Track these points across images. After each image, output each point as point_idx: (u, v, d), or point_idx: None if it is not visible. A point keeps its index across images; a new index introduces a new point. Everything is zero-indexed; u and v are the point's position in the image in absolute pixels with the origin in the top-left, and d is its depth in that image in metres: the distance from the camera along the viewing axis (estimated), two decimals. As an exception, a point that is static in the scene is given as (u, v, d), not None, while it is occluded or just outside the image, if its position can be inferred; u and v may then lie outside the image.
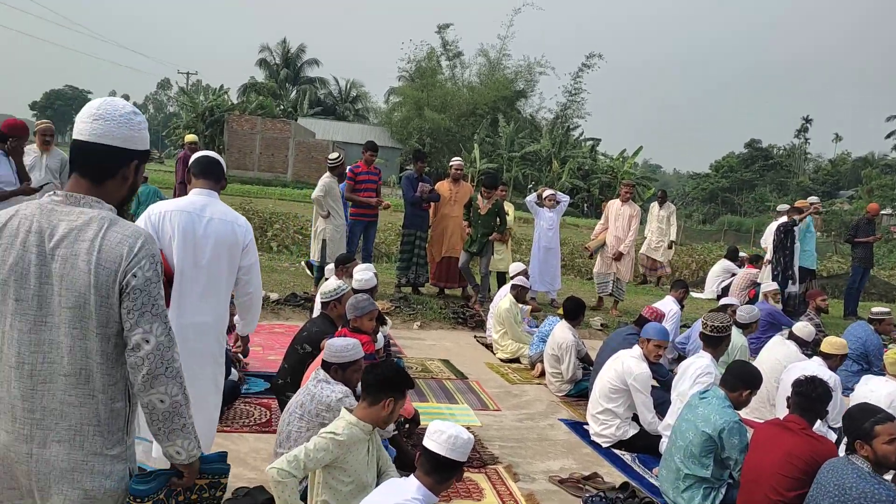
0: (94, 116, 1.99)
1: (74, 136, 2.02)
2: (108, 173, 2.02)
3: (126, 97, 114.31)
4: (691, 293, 11.41)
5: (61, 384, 1.93)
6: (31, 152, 7.07)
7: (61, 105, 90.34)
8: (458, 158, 10.19)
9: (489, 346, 7.79)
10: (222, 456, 2.29)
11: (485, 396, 6.08)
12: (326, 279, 6.91)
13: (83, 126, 1.99)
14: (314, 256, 9.06)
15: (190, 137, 11.52)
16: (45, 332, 1.92)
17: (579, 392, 6.34)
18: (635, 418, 5.20)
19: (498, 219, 9.09)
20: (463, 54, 51.21)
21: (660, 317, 5.88)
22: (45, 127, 7.44)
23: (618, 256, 9.79)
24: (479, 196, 9.18)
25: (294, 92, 60.64)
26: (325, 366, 3.78)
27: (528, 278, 7.90)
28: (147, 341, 1.93)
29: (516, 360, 7.36)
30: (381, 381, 3.22)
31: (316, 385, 3.71)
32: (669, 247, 13.27)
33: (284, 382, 4.60)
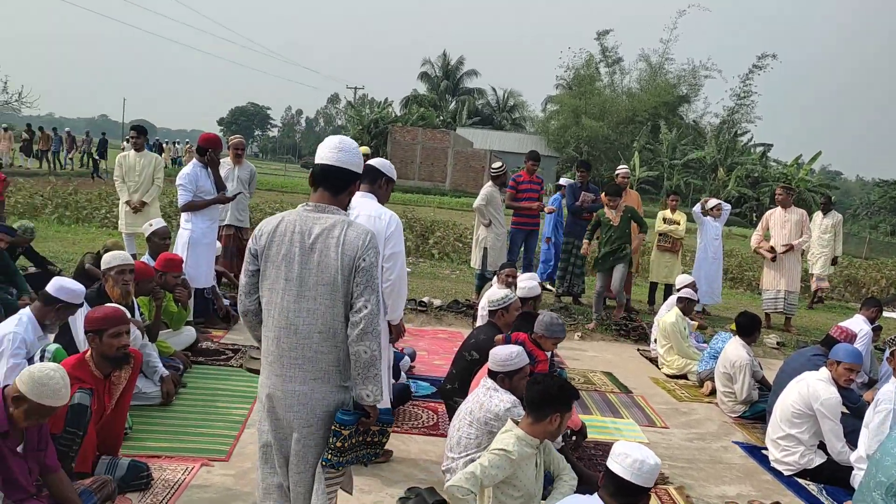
0: (337, 148, 2.77)
1: (319, 161, 2.79)
2: (343, 189, 2.78)
3: (300, 112, 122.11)
4: (884, 312, 10.34)
5: (316, 339, 2.66)
6: (224, 164, 7.74)
7: (244, 120, 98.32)
8: (625, 166, 9.96)
9: (653, 361, 7.52)
10: (389, 411, 2.92)
11: (651, 412, 5.86)
12: (490, 286, 6.99)
13: (329, 154, 2.76)
14: (475, 264, 9.20)
15: (363, 150, 12.12)
16: (304, 302, 2.65)
17: (755, 414, 5.95)
18: (822, 446, 4.79)
19: (633, 223, 8.43)
20: (622, 60, 50.07)
21: (850, 337, 5.38)
22: (238, 141, 8.13)
23: (787, 249, 9.18)
24: (604, 209, 8.45)
25: (453, 103, 62.05)
26: (492, 374, 3.82)
27: (695, 291, 7.54)
28: (366, 307, 2.61)
29: (683, 377, 7.04)
30: (546, 396, 3.19)
31: (485, 393, 3.75)
32: (833, 262, 11.88)
33: (452, 387, 4.69)
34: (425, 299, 8.75)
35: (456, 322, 8.30)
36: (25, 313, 3.91)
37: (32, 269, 7.60)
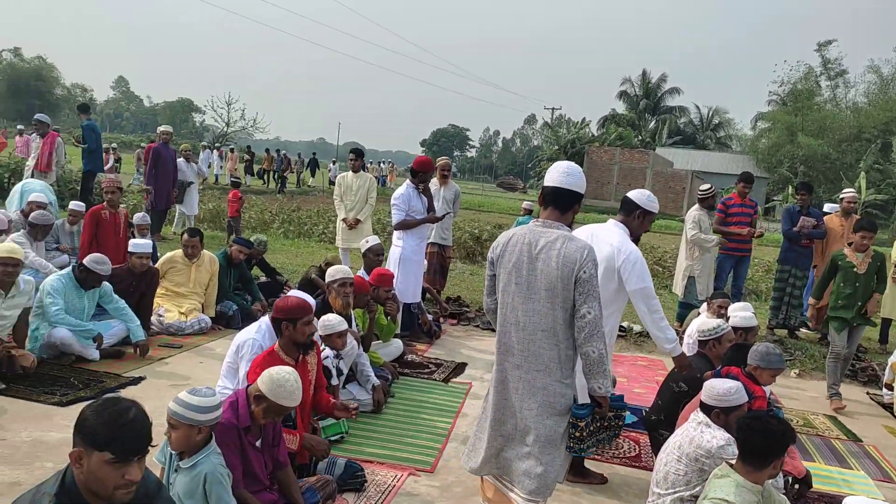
0: (565, 173, 3.16)
1: (549, 184, 3.19)
2: (568, 208, 3.17)
3: (497, 133, 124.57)
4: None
5: (540, 336, 3.09)
6: (430, 185, 8.11)
7: (445, 141, 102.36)
8: (851, 190, 9.05)
9: (887, 407, 6.70)
10: (622, 398, 3.30)
11: (886, 465, 5.22)
12: (696, 315, 6.64)
13: (558, 178, 3.15)
14: (677, 290, 8.80)
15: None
16: (531, 304, 3.09)
17: None
18: None
19: (877, 277, 6.55)
20: (847, 72, 45.58)
21: None
22: (445, 163, 8.48)
23: None
24: (844, 251, 6.65)
25: (653, 122, 60.13)
26: (706, 408, 3.61)
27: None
28: (589, 313, 2.98)
29: (926, 429, 6.19)
30: (767, 441, 2.95)
31: (696, 428, 3.55)
32: None
33: (657, 419, 4.51)
34: (624, 324, 8.51)
35: (656, 349, 7.98)
36: (264, 321, 4.33)
37: (264, 279, 8.44)
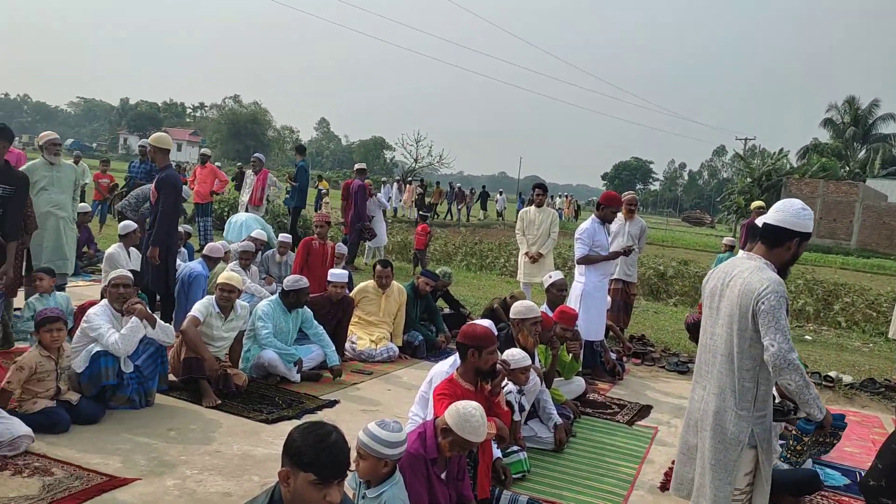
0: (777, 209, 3.10)
1: (763, 219, 3.19)
2: (777, 244, 3.07)
3: (683, 165, 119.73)
4: None
5: (720, 360, 3.09)
6: (616, 219, 7.94)
7: (627, 175, 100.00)
8: None
9: None
10: (842, 417, 3.22)
11: None
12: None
13: (771, 213, 3.11)
14: (893, 335, 7.86)
15: (757, 204, 11.36)
16: (715, 328, 3.13)
17: None
18: None
19: None
20: None
21: None
22: (631, 197, 8.28)
23: None
24: None
25: (863, 151, 54.75)
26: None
27: None
28: (771, 346, 2.86)
29: None
30: None
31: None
32: None
33: (878, 485, 4.00)
34: (832, 374, 7.73)
35: (871, 404, 7.15)
36: (458, 358, 4.39)
37: (448, 310, 8.68)
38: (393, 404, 5.64)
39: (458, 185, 36.21)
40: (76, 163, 13.54)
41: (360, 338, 7.04)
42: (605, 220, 7.15)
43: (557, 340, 5.67)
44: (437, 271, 8.29)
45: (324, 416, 5.17)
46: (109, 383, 4.70)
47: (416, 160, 37.18)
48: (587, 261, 7.02)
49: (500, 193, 38.26)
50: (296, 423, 4.89)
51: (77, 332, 4.94)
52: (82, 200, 10.08)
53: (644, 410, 6.19)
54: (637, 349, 8.22)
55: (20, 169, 6.34)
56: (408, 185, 31.18)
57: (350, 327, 6.98)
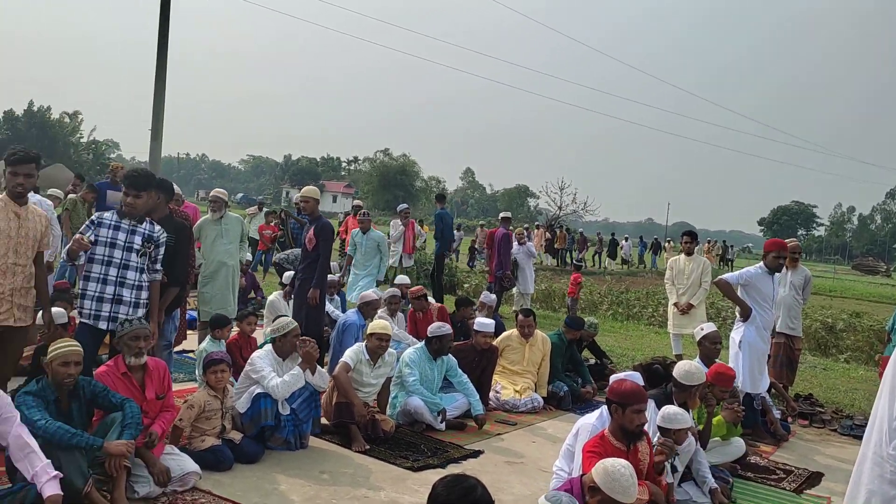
0: None
1: None
2: None
3: (851, 209, 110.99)
4: None
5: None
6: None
7: (787, 220, 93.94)
8: None
9: None
10: None
11: None
12: None
13: None
14: None
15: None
16: None
17: None
18: None
19: None
20: None
21: None
22: (795, 245, 7.79)
23: None
24: None
25: None
26: None
27: None
28: None
29: None
30: None
31: None
32: None
33: None
34: None
35: None
36: (605, 408, 4.26)
37: (593, 361, 8.46)
38: (537, 457, 5.53)
39: (581, 230, 35.60)
40: (260, 209, 14.97)
41: (505, 387, 7.01)
42: (772, 268, 6.73)
43: (713, 399, 5.34)
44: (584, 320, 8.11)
45: (468, 466, 5.15)
46: (268, 424, 4.96)
47: (560, 207, 37.01)
48: (726, 287, 6.72)
49: (626, 240, 37.19)
50: (441, 472, 4.93)
51: (241, 374, 5.29)
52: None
53: (814, 478, 5.66)
54: (804, 409, 7.56)
55: (197, 223, 7.02)
56: (537, 229, 31.07)
57: (494, 376, 6.97)
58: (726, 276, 7.00)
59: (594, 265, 32.34)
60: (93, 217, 4.96)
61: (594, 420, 4.22)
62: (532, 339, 7.22)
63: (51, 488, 3.34)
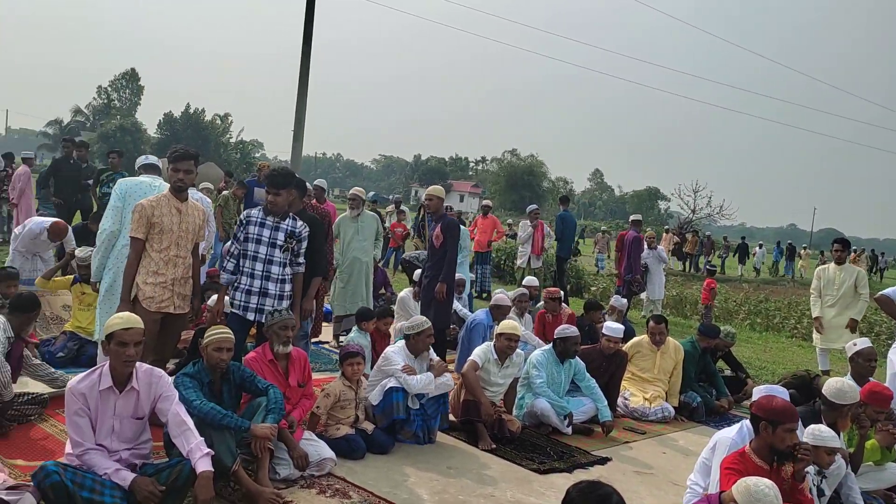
0: None
1: None
2: None
3: None
4: None
5: None
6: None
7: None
8: None
9: None
10: None
11: None
12: None
13: None
14: None
15: None
16: None
17: None
18: None
19: None
20: None
21: None
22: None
23: None
24: None
25: None
26: None
27: None
28: None
29: None
30: None
31: None
32: None
33: None
34: None
35: None
36: (745, 423, 4.05)
37: (728, 373, 8.07)
38: (668, 469, 5.36)
39: (709, 233, 33.74)
40: (397, 207, 15.43)
41: (634, 394, 6.83)
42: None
43: (867, 419, 4.95)
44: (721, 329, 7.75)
45: (596, 472, 5.07)
46: (399, 417, 5.12)
47: (693, 211, 35.50)
48: (887, 303, 6.25)
49: (760, 246, 34.90)
50: (567, 476, 4.90)
51: (374, 368, 5.49)
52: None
53: (981, 513, 5.12)
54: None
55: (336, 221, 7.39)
56: (665, 234, 29.91)
57: (623, 383, 6.80)
58: (887, 291, 6.50)
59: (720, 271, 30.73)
60: (241, 216, 5.31)
61: (733, 435, 4.03)
62: (664, 346, 6.99)
63: (203, 464, 3.60)
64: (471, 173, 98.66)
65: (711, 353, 7.54)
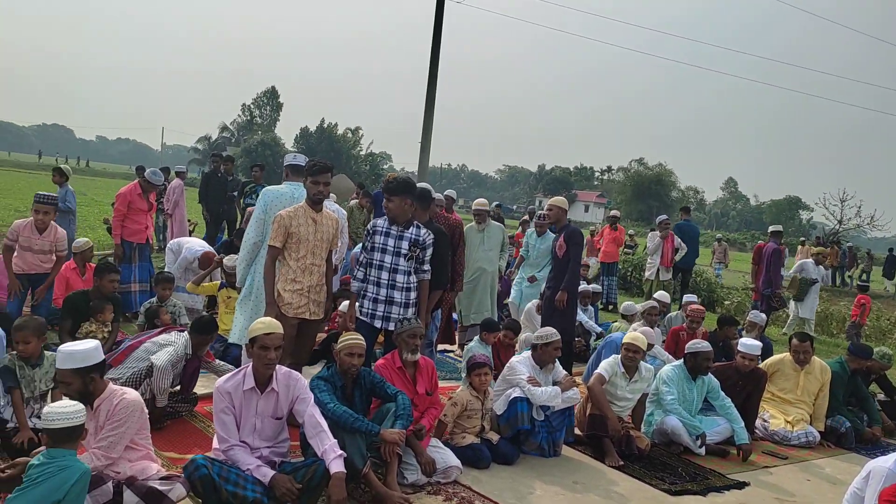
0: None
1: None
2: None
3: None
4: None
5: None
6: None
7: None
8: None
9: None
10: None
11: None
12: None
13: None
14: None
15: None
16: None
17: None
18: None
19: None
20: None
21: None
22: None
23: None
24: None
25: None
26: None
27: None
28: None
29: None
30: None
31: None
32: None
33: None
34: None
35: None
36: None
37: (882, 397, 7.42)
38: (813, 497, 5.01)
39: (850, 244, 30.94)
40: (530, 218, 15.31)
41: (774, 416, 6.43)
42: None
43: None
44: (874, 349, 7.15)
45: (732, 497, 4.83)
46: (523, 428, 5.08)
47: (839, 221, 33.06)
48: None
49: None
50: (700, 499, 4.71)
51: (499, 378, 5.49)
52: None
53: None
54: None
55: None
56: (801, 246, 27.90)
57: (762, 403, 6.42)
58: None
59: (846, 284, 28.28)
60: (368, 226, 5.44)
61: (891, 465, 3.70)
62: (808, 366, 6.53)
63: (337, 465, 3.74)
64: (596, 183, 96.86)
65: (863, 375, 6.98)
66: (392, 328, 5.01)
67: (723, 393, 5.94)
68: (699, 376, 5.87)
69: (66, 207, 8.98)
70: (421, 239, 5.24)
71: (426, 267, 5.33)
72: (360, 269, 5.31)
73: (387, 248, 5.19)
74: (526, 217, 16.58)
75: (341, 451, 3.81)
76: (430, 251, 5.31)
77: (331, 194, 10.55)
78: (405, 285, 5.23)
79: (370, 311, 5.23)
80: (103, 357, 3.57)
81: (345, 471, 3.76)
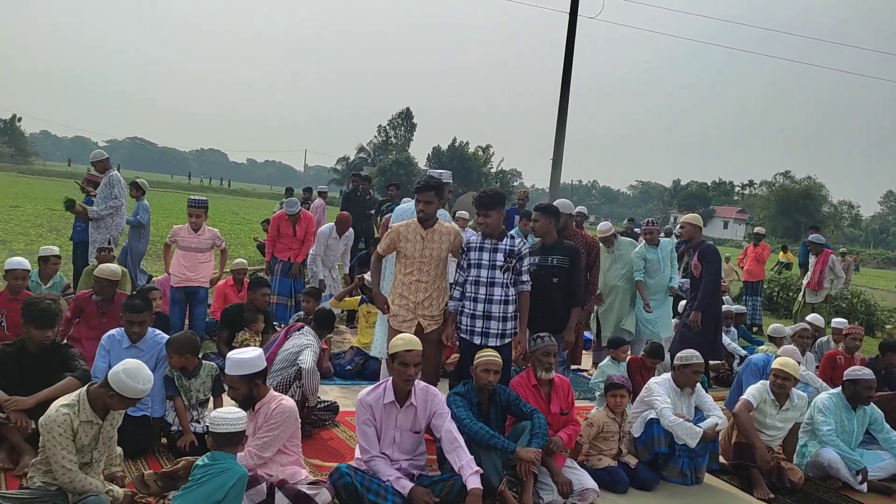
0: None
1: None
2: None
3: None
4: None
5: None
6: None
7: None
8: None
9: None
10: None
11: None
12: None
13: None
14: None
15: None
16: None
17: None
18: None
19: None
20: None
21: None
22: None
23: None
24: None
25: None
26: None
27: None
28: None
29: None
30: None
31: None
32: None
33: None
34: None
35: None
36: None
37: None
38: None
39: None
40: (667, 236, 14.78)
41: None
42: None
43: None
44: None
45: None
46: (661, 451, 4.90)
47: None
48: None
49: None
50: (863, 540, 4.31)
51: (636, 399, 5.34)
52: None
53: None
54: None
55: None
56: None
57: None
58: None
59: None
60: (462, 244, 5.25)
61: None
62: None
63: (474, 481, 3.78)
64: (736, 198, 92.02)
65: None
66: (491, 344, 4.96)
67: (888, 426, 5.46)
68: (859, 406, 5.43)
69: (136, 221, 8.91)
70: (516, 249, 5.11)
71: (524, 278, 5.17)
72: (457, 288, 5.23)
73: (482, 262, 5.10)
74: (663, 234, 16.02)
75: (478, 468, 3.85)
76: (526, 261, 5.17)
77: (464, 211, 10.80)
78: (503, 298, 5.08)
79: (469, 328, 5.13)
80: (265, 365, 3.84)
81: (481, 487, 3.79)
